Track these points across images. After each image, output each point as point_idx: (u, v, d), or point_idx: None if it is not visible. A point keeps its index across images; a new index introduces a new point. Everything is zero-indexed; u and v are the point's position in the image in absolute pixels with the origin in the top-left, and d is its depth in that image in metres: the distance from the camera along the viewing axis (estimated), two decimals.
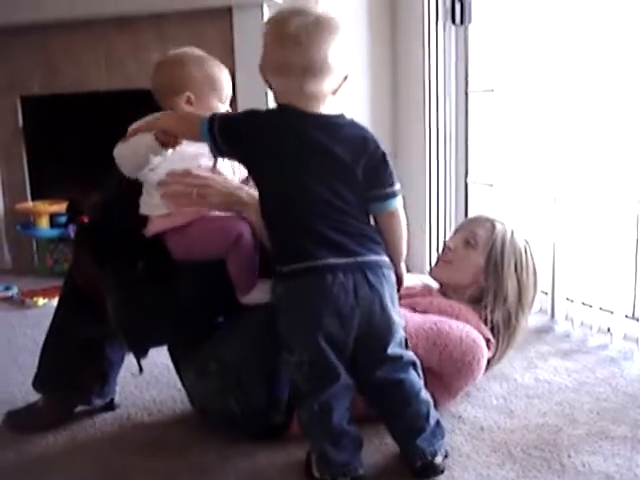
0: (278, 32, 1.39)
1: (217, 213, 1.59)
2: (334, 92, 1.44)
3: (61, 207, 3.31)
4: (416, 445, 1.46)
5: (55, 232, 3.31)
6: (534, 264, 1.91)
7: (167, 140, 1.49)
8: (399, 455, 1.53)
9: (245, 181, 1.64)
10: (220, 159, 1.59)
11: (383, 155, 1.44)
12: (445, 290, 1.98)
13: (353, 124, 1.45)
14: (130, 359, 1.75)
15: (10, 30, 3.19)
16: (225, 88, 1.65)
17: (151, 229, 1.59)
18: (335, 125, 1.43)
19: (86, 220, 1.81)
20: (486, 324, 1.84)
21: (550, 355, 2.17)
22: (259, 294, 1.57)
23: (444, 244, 2.02)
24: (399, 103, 3.08)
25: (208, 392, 1.67)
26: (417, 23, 2.88)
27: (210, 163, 1.60)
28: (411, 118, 3.01)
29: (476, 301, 1.89)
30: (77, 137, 3.30)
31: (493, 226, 1.91)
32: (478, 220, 1.99)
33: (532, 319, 2.40)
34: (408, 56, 2.98)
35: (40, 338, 1.82)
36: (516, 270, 1.88)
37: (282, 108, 1.43)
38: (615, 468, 1.50)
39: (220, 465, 1.58)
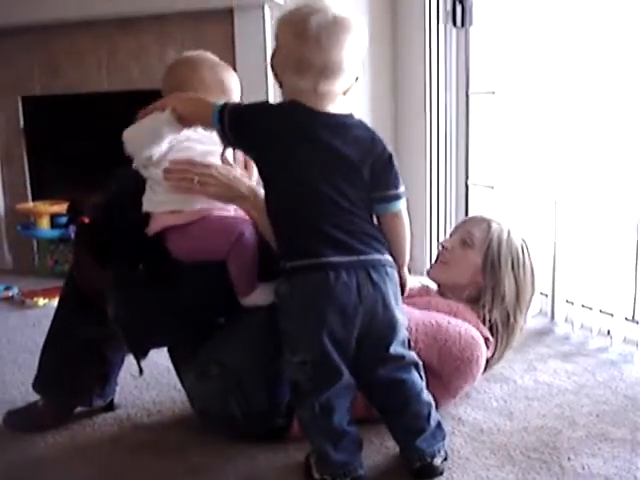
0: (298, 30, 1.38)
1: (218, 213, 1.59)
2: (345, 92, 1.45)
3: (62, 208, 3.31)
4: (416, 446, 1.46)
5: (56, 233, 3.31)
6: (531, 263, 1.92)
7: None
8: (399, 456, 1.53)
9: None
10: (230, 150, 1.60)
11: (390, 157, 1.45)
12: (443, 291, 1.98)
13: (361, 125, 1.46)
14: (130, 360, 1.75)
15: (11, 30, 3.20)
16: (234, 93, 1.66)
17: (154, 226, 1.58)
18: (344, 125, 1.44)
19: (86, 221, 1.81)
20: (485, 323, 1.84)
21: (550, 357, 2.17)
22: (260, 296, 1.57)
23: (441, 245, 2.03)
24: (400, 105, 3.08)
25: (208, 394, 1.66)
26: (418, 25, 2.88)
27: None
28: (412, 120, 3.01)
29: (474, 301, 1.90)
30: (78, 138, 3.30)
31: (489, 225, 1.92)
32: (474, 220, 2.00)
33: (532, 321, 2.41)
34: (409, 58, 2.98)
35: (40, 338, 1.82)
36: (513, 269, 1.88)
37: (292, 104, 1.43)
38: (615, 470, 1.50)
39: (220, 466, 1.58)
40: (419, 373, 1.50)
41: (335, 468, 1.42)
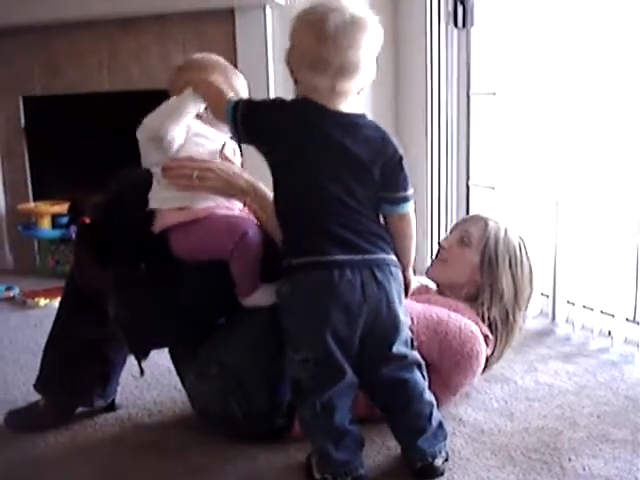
0: (316, 30, 1.38)
1: (222, 212, 1.59)
2: (359, 92, 1.46)
3: (63, 208, 3.30)
4: (417, 446, 1.46)
5: (57, 233, 3.31)
6: (529, 261, 1.93)
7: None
8: (400, 456, 1.53)
9: None
10: (229, 146, 1.61)
11: (400, 159, 1.46)
12: (442, 290, 1.99)
13: (373, 125, 1.47)
14: (132, 361, 1.75)
15: (12, 30, 3.20)
16: (242, 96, 1.66)
17: (160, 223, 1.58)
18: (356, 125, 1.44)
19: (87, 221, 1.81)
20: (484, 321, 1.84)
21: (551, 358, 2.17)
22: (261, 297, 1.57)
23: (439, 244, 2.03)
24: (401, 105, 3.08)
25: (209, 394, 1.66)
26: (419, 26, 2.88)
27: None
28: (413, 120, 3.01)
29: (473, 299, 1.90)
30: (79, 138, 3.30)
31: (486, 224, 1.93)
32: (472, 219, 2.01)
33: (533, 322, 2.42)
34: (410, 59, 2.98)
35: (42, 339, 1.82)
36: (510, 267, 1.89)
37: (304, 102, 1.44)
38: (615, 471, 1.50)
39: (220, 466, 1.58)
40: (421, 373, 1.50)
41: (336, 467, 1.42)
